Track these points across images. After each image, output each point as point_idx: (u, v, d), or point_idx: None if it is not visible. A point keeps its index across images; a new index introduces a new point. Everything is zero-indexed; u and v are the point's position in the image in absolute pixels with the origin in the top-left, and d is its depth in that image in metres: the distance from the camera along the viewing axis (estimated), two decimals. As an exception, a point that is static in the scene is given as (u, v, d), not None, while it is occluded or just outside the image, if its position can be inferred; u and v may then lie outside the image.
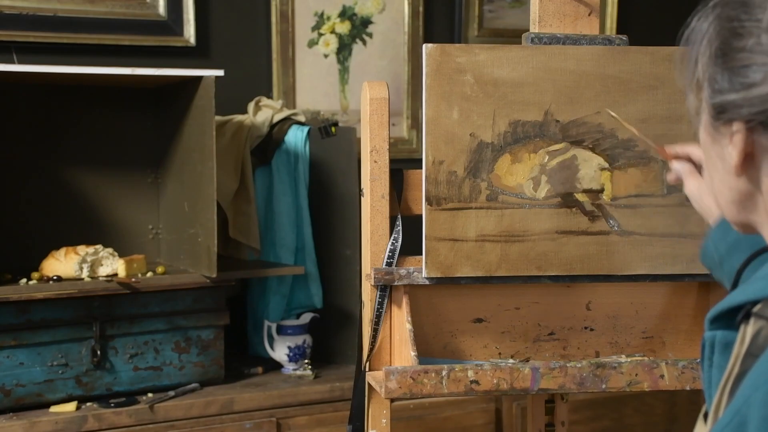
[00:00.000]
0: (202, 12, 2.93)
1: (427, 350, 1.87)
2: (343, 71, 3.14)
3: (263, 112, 2.85)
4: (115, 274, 2.45)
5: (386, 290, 1.83)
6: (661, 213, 1.85)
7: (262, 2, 3.03)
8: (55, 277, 2.37)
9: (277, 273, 2.73)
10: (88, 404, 2.38)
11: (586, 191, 1.85)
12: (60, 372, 2.36)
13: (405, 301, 1.82)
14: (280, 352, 2.71)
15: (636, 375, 1.70)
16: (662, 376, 1.70)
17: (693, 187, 1.48)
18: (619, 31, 3.47)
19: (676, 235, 1.85)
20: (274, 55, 3.02)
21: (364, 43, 3.17)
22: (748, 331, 0.93)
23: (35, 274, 2.40)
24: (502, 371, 1.67)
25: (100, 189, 2.77)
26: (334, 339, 2.81)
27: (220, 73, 2.43)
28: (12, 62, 2.65)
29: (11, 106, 2.66)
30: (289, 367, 2.71)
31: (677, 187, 1.58)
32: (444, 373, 1.65)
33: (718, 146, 1.03)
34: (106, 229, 2.76)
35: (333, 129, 2.76)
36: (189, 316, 2.50)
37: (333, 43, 3.11)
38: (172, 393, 2.45)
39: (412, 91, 3.22)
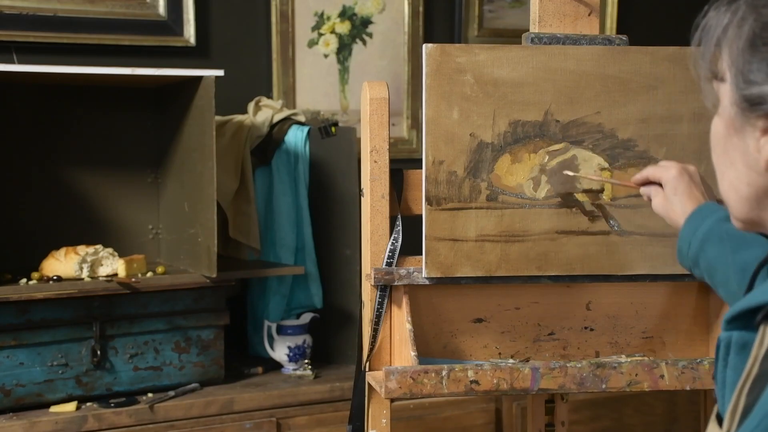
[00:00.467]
0: (202, 12, 2.93)
1: (427, 350, 1.87)
2: (343, 71, 3.14)
3: (263, 112, 2.85)
4: (115, 274, 2.45)
5: (386, 290, 1.83)
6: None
7: (262, 2, 3.03)
8: (55, 277, 2.37)
9: (277, 273, 2.73)
10: (88, 404, 2.38)
11: (586, 191, 1.85)
12: (60, 372, 2.36)
13: (405, 301, 1.82)
14: (280, 352, 2.71)
15: (636, 375, 1.70)
16: (662, 376, 1.70)
17: (658, 205, 1.59)
18: (619, 31, 3.47)
19: (676, 235, 1.85)
20: (274, 55, 3.02)
21: (364, 43, 3.17)
22: None
23: (35, 274, 2.40)
24: (502, 371, 1.67)
25: (100, 189, 2.77)
26: (334, 339, 2.81)
27: (220, 73, 2.43)
28: (12, 62, 2.65)
29: (11, 106, 2.66)
30: (289, 367, 2.71)
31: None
32: (444, 373, 1.65)
33: (740, 139, 0.99)
34: (106, 229, 2.76)
35: (333, 129, 2.76)
36: (189, 316, 2.50)
37: (333, 43, 3.11)
38: (172, 393, 2.45)
39: (412, 91, 3.22)
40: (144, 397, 2.43)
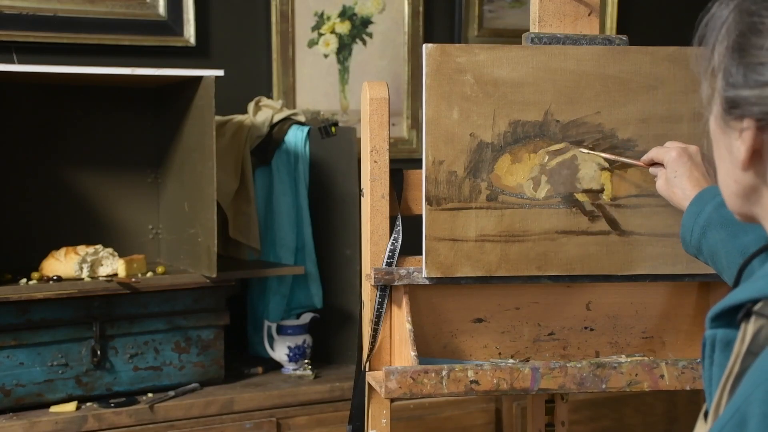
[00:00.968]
0: (202, 12, 2.93)
1: (427, 350, 1.87)
2: (343, 71, 3.14)
3: (263, 112, 2.85)
4: (115, 274, 2.45)
5: (386, 290, 1.83)
6: (661, 213, 1.85)
7: (262, 2, 3.03)
8: (55, 277, 2.37)
9: (277, 273, 2.73)
10: (88, 404, 2.38)
11: (586, 191, 1.85)
12: (60, 372, 2.36)
13: (405, 301, 1.82)
14: (280, 352, 2.71)
15: (636, 375, 1.70)
16: (662, 376, 1.70)
17: (661, 187, 1.63)
18: (619, 31, 3.47)
19: (676, 235, 1.85)
20: (274, 55, 3.02)
21: (364, 43, 3.17)
22: (749, 329, 0.93)
23: (35, 274, 2.40)
24: (502, 371, 1.67)
25: (100, 189, 2.77)
26: (334, 339, 2.81)
27: (220, 73, 2.43)
28: (12, 62, 2.65)
29: (11, 106, 2.66)
30: (289, 367, 2.71)
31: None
32: (444, 373, 1.65)
33: (726, 138, 1.02)
34: (106, 229, 2.76)
35: (333, 129, 2.76)
36: (189, 316, 2.50)
37: (333, 43, 3.11)
38: (172, 393, 2.45)
39: (412, 91, 3.22)
40: (144, 397, 2.43)
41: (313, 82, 3.09)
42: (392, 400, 1.78)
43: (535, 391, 1.69)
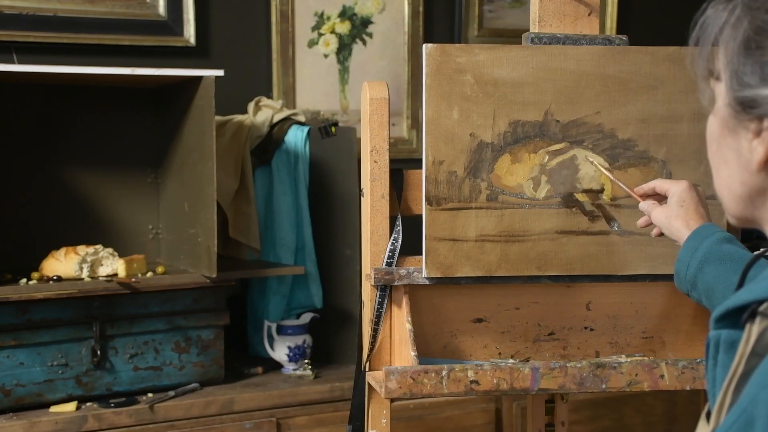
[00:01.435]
0: (202, 12, 2.93)
1: (427, 350, 1.87)
2: (343, 71, 3.14)
3: (263, 112, 2.85)
4: (115, 274, 2.45)
5: (386, 290, 1.83)
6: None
7: (262, 2, 3.03)
8: (55, 277, 2.37)
9: (277, 273, 2.73)
10: (88, 404, 2.38)
11: (586, 191, 1.85)
12: (60, 372, 2.36)
13: (405, 301, 1.82)
14: (280, 352, 2.71)
15: (636, 375, 1.70)
16: (662, 376, 1.70)
17: (660, 215, 1.61)
18: (619, 31, 3.47)
19: (676, 235, 1.85)
20: (274, 55, 3.02)
21: (364, 43, 3.17)
22: (754, 330, 0.93)
23: (35, 274, 2.40)
24: (502, 371, 1.66)
25: (100, 189, 2.77)
26: (334, 339, 2.81)
27: (220, 73, 2.43)
28: (12, 62, 2.65)
29: (11, 106, 2.66)
30: (289, 367, 2.71)
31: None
32: (444, 373, 1.65)
33: (734, 139, 1.00)
34: (106, 229, 2.76)
35: (333, 129, 2.76)
36: (189, 316, 2.50)
37: (333, 43, 3.11)
38: (172, 393, 2.45)
39: (412, 91, 3.22)
40: (144, 397, 2.43)
41: (313, 82, 3.09)
42: (392, 400, 1.78)
43: (535, 391, 1.69)
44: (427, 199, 1.81)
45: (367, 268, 1.86)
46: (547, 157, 1.84)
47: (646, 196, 1.69)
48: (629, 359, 1.81)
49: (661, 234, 1.66)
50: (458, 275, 1.83)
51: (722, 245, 1.45)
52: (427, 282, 1.83)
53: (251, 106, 2.87)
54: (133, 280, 2.41)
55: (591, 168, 1.85)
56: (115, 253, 2.49)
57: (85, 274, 2.42)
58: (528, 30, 1.90)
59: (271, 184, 2.83)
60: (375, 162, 1.84)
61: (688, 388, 1.71)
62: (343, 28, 3.13)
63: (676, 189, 1.60)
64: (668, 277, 1.89)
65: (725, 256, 1.44)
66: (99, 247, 2.48)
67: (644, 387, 1.71)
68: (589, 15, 1.91)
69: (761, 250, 1.29)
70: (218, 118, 2.58)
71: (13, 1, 2.70)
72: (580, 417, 2.83)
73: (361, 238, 1.90)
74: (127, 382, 2.44)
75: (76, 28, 2.77)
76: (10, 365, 2.30)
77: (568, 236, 1.85)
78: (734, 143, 1.00)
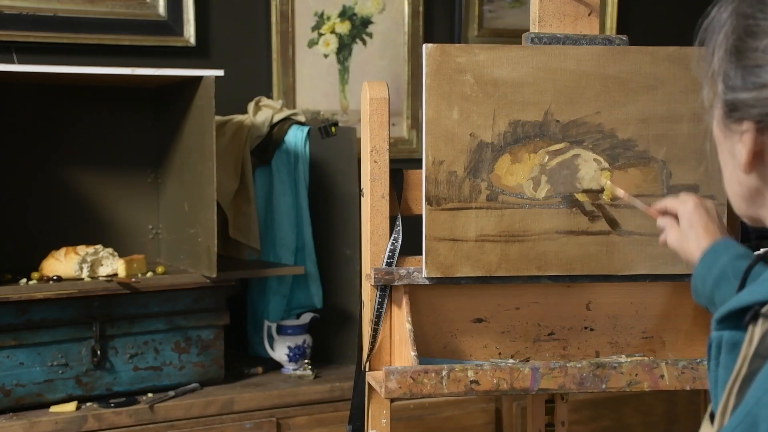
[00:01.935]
0: (202, 12, 2.93)
1: (427, 350, 1.87)
2: (343, 71, 3.14)
3: (263, 112, 2.85)
4: (115, 274, 2.45)
5: (386, 290, 1.83)
6: (661, 213, 1.85)
7: (262, 2, 3.03)
8: (55, 277, 2.37)
9: (277, 273, 2.73)
10: (88, 404, 2.38)
11: (586, 191, 1.85)
12: (60, 372, 2.36)
13: (405, 301, 1.82)
14: (280, 352, 2.71)
15: (636, 375, 1.70)
16: (662, 376, 1.70)
17: (673, 237, 1.56)
18: (619, 31, 3.47)
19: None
20: (274, 55, 3.02)
21: (364, 43, 3.17)
22: (756, 331, 0.93)
23: (35, 274, 2.40)
24: (502, 371, 1.66)
25: (100, 189, 2.77)
26: (334, 339, 2.81)
27: (220, 73, 2.43)
28: (12, 62, 2.65)
29: (11, 106, 2.66)
30: (289, 367, 2.71)
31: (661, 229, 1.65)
32: (444, 373, 1.65)
33: (729, 142, 1.02)
34: (106, 229, 2.76)
35: (333, 129, 2.76)
36: (189, 316, 2.50)
37: (333, 43, 3.11)
38: (172, 393, 2.45)
39: (412, 91, 3.22)
40: (144, 397, 2.43)
41: (313, 82, 3.09)
42: (392, 400, 1.78)
43: (535, 391, 1.69)
44: (427, 199, 1.81)
45: (367, 268, 1.86)
46: (547, 157, 1.84)
47: (663, 212, 1.63)
48: (629, 359, 1.81)
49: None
50: (458, 275, 1.83)
51: (739, 261, 1.41)
52: (427, 282, 1.83)
53: (251, 106, 2.87)
54: (133, 280, 2.41)
55: (591, 168, 1.85)
56: (115, 253, 2.50)
57: (85, 274, 2.42)
58: (528, 30, 1.90)
59: (271, 184, 2.83)
60: (375, 162, 1.84)
61: (688, 388, 1.71)
62: (343, 28, 3.13)
63: (683, 210, 1.55)
64: (668, 277, 1.90)
65: (740, 273, 1.40)
66: (99, 247, 2.48)
67: (644, 387, 1.71)
68: (589, 15, 1.91)
69: (761, 250, 1.28)
70: (218, 118, 2.58)
71: (13, 1, 2.70)
72: (580, 417, 2.83)
73: (361, 238, 1.90)
74: (127, 382, 2.44)
75: (76, 28, 2.77)
76: (10, 365, 2.30)
77: (568, 236, 1.85)
78: (728, 145, 1.03)
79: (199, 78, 2.44)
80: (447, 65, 1.79)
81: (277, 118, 2.82)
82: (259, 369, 2.68)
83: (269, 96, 3.01)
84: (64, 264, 2.41)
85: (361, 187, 1.88)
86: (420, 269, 1.82)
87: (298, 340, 2.71)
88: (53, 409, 2.33)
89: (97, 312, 2.39)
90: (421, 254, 1.82)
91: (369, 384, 1.82)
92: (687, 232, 1.53)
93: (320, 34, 3.10)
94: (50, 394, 2.35)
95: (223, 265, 2.54)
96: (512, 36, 3.27)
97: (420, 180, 1.82)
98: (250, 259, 2.81)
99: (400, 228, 1.85)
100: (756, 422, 0.84)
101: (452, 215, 1.81)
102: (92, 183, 2.76)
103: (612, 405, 2.90)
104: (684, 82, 1.85)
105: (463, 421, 2.71)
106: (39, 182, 2.70)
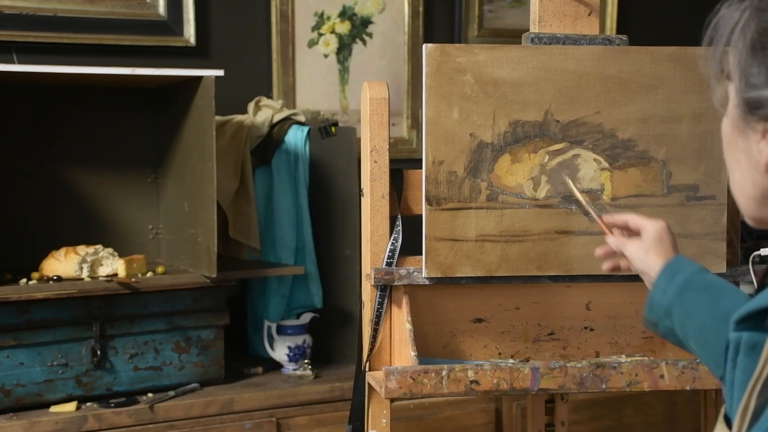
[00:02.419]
0: (202, 12, 2.93)
1: (427, 350, 1.87)
2: (343, 71, 3.14)
3: (263, 112, 2.85)
4: (115, 274, 2.45)
5: (386, 290, 1.83)
6: (661, 213, 1.85)
7: (262, 2, 3.02)
8: (55, 277, 2.37)
9: (277, 273, 2.73)
10: (88, 404, 2.38)
11: (586, 191, 1.85)
12: (60, 372, 2.36)
13: (405, 301, 1.82)
14: (280, 352, 2.71)
15: (636, 375, 1.70)
16: (662, 376, 1.70)
17: (633, 249, 1.51)
18: (619, 31, 3.47)
19: (676, 235, 1.85)
20: (274, 55, 3.02)
21: (364, 43, 3.17)
22: None
23: (35, 274, 2.40)
24: (502, 371, 1.67)
25: (100, 189, 2.77)
26: (334, 339, 2.81)
27: (220, 73, 2.43)
28: (12, 62, 2.65)
29: (11, 106, 2.66)
30: (289, 367, 2.71)
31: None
32: (444, 373, 1.65)
33: (744, 140, 1.00)
34: (106, 229, 2.76)
35: (333, 129, 2.76)
36: (189, 316, 2.50)
37: (333, 43, 3.11)
38: (172, 393, 2.45)
39: (412, 91, 3.22)
40: (144, 397, 2.43)
41: (313, 82, 3.09)
42: (392, 400, 1.78)
43: (535, 391, 1.69)
44: (427, 199, 1.81)
45: (367, 268, 1.86)
46: (547, 157, 1.85)
47: (613, 226, 1.61)
48: (629, 359, 1.81)
49: (614, 269, 1.59)
50: (458, 275, 1.83)
51: (703, 274, 1.40)
52: (427, 282, 1.83)
53: (251, 106, 2.87)
54: (133, 280, 2.41)
55: (591, 168, 1.85)
56: (115, 253, 2.49)
57: (85, 274, 2.42)
58: (528, 30, 1.90)
59: (271, 184, 2.83)
60: (375, 162, 1.84)
61: (688, 388, 1.72)
62: (343, 28, 3.13)
63: (653, 227, 1.51)
64: (668, 277, 1.89)
65: (708, 285, 1.37)
66: (99, 247, 2.48)
67: (644, 387, 1.71)
68: (589, 15, 1.91)
69: (761, 250, 1.28)
70: (218, 118, 2.58)
71: (13, 1, 2.70)
72: (580, 417, 2.83)
73: (361, 238, 1.91)
74: (127, 382, 2.44)
75: (76, 28, 2.77)
76: (10, 365, 2.30)
77: (568, 236, 1.85)
78: (744, 144, 1.00)
79: (199, 78, 2.44)
80: (447, 65, 1.79)
81: (277, 118, 2.82)
82: (259, 369, 2.68)
83: (269, 96, 3.01)
84: (64, 264, 2.41)
85: (361, 187, 1.88)
86: (420, 269, 1.82)
87: (298, 340, 2.71)
88: (53, 409, 2.33)
89: (97, 312, 2.39)
90: (421, 254, 1.82)
91: (369, 384, 1.82)
92: (655, 246, 1.49)
93: (320, 34, 3.10)
94: (50, 394, 2.35)
95: (223, 265, 2.54)
96: (512, 36, 3.27)
97: (420, 180, 1.82)
98: (250, 259, 2.81)
99: (400, 228, 1.85)
100: None
101: (452, 215, 1.81)
102: (92, 183, 2.76)
103: (612, 405, 2.90)
104: (684, 82, 1.85)
105: (463, 421, 2.71)
106: (39, 182, 2.70)
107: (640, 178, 1.86)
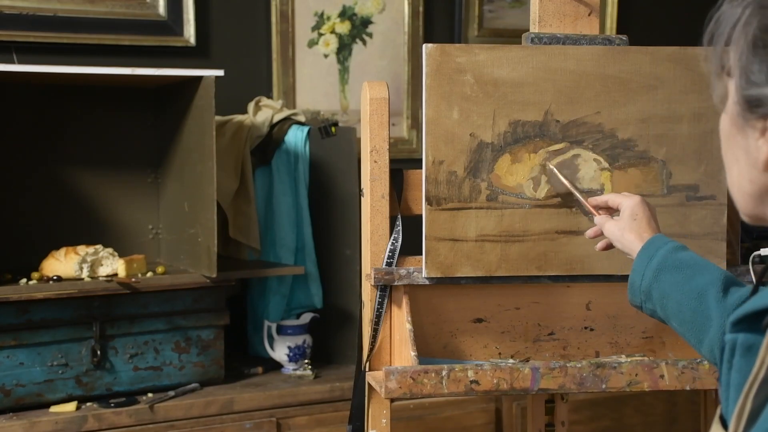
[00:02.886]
0: (202, 12, 2.93)
1: (427, 350, 1.87)
2: (343, 71, 3.14)
3: (263, 112, 2.85)
4: (115, 274, 2.45)
5: (386, 290, 1.83)
6: (661, 213, 1.85)
7: (262, 2, 3.03)
8: (55, 277, 2.37)
9: (277, 273, 2.73)
10: (88, 404, 2.38)
11: (586, 191, 1.85)
12: (60, 372, 2.36)
13: (405, 301, 1.82)
14: (280, 352, 2.71)
15: (636, 375, 1.70)
16: (662, 376, 1.70)
17: (613, 227, 1.58)
18: (619, 31, 3.47)
19: (676, 235, 1.85)
20: (274, 55, 3.02)
21: (364, 43, 3.17)
22: None
23: (35, 274, 2.40)
24: (502, 371, 1.67)
25: (100, 189, 2.77)
26: (334, 339, 2.81)
27: (220, 73, 2.43)
28: (12, 62, 2.65)
29: (11, 106, 2.66)
30: (289, 367, 2.71)
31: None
32: (444, 373, 1.65)
33: (743, 137, 1.00)
34: (106, 229, 2.76)
35: (333, 129, 2.76)
36: (189, 316, 2.50)
37: (333, 43, 3.11)
38: (172, 393, 2.45)
39: (412, 91, 3.22)
40: (144, 397, 2.43)
41: (313, 82, 3.09)
42: (392, 400, 1.78)
43: (535, 391, 1.69)
44: (427, 199, 1.81)
45: (367, 268, 1.86)
46: (547, 157, 1.84)
47: (598, 208, 1.67)
48: (629, 359, 1.81)
49: (607, 248, 1.64)
50: (458, 275, 1.83)
51: (677, 253, 1.44)
52: (427, 282, 1.83)
53: (251, 106, 2.87)
54: (133, 280, 2.41)
55: (591, 168, 1.85)
56: (115, 253, 2.50)
57: (85, 274, 2.42)
58: (528, 30, 1.90)
59: (271, 184, 2.83)
60: (375, 162, 1.84)
61: (688, 388, 1.72)
62: (343, 28, 3.13)
63: (628, 203, 1.57)
64: (668, 277, 1.89)
65: (681, 264, 1.42)
66: (99, 247, 2.48)
67: (644, 387, 1.71)
68: (589, 15, 1.91)
69: (761, 250, 1.28)
70: (218, 118, 2.58)
71: (13, 1, 2.70)
72: (580, 417, 2.83)
73: (361, 238, 1.91)
74: (127, 382, 2.44)
75: (76, 28, 2.77)
76: (10, 365, 2.30)
77: (568, 236, 1.85)
78: (743, 141, 1.00)
79: (199, 78, 2.44)
80: (447, 65, 1.79)
81: (277, 118, 2.82)
82: (259, 369, 2.68)
83: (269, 96, 3.01)
84: (64, 264, 2.41)
85: (361, 187, 1.88)
86: (420, 269, 1.82)
87: (298, 340, 2.71)
88: (53, 409, 2.33)
89: (97, 312, 2.39)
90: (421, 254, 1.82)
91: (369, 384, 1.82)
92: (629, 223, 1.55)
93: (320, 34, 3.10)
94: (50, 394, 2.35)
95: (223, 265, 2.54)
96: (512, 36, 3.27)
97: (420, 180, 1.82)
98: (250, 259, 2.81)
99: (400, 228, 1.85)
100: None
101: (452, 215, 1.81)
102: (92, 183, 2.76)
103: (612, 405, 2.90)
104: (684, 82, 1.85)
105: (463, 421, 2.71)
106: (39, 182, 2.70)
107: (640, 178, 1.86)
